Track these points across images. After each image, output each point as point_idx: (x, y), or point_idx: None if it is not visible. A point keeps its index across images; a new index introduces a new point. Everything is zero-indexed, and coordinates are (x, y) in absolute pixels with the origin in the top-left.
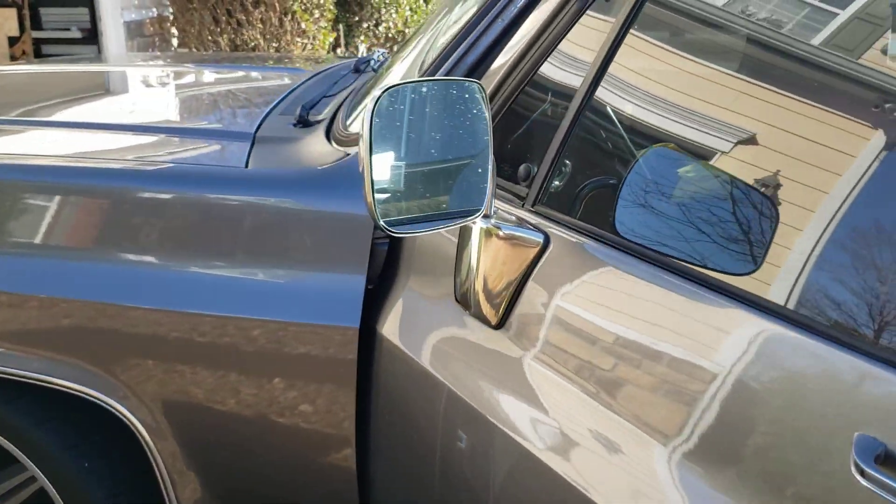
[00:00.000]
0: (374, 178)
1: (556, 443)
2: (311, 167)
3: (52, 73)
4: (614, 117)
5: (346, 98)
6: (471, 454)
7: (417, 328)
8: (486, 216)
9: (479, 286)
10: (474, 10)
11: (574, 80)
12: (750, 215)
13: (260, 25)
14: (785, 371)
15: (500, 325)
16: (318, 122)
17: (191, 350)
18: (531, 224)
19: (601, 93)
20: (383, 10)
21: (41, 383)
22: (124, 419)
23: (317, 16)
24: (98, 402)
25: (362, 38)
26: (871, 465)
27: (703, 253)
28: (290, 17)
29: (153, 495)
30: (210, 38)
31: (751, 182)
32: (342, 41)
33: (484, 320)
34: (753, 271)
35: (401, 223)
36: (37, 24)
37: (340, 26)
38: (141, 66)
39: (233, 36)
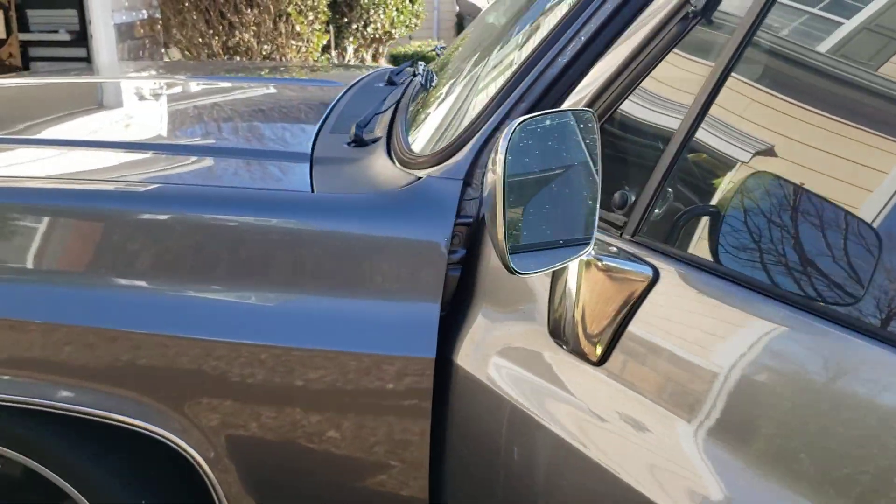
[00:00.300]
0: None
1: (672, 487)
2: (382, 191)
3: (59, 86)
4: (718, 144)
5: (397, 114)
6: (568, 491)
7: (503, 361)
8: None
9: (577, 319)
10: (560, 28)
11: (677, 104)
12: (854, 243)
13: (254, 28)
14: None
15: (601, 363)
16: (374, 140)
17: (258, 383)
18: (634, 255)
19: (708, 120)
20: (371, 12)
21: (100, 419)
22: (186, 454)
23: (311, 18)
24: (159, 437)
25: (351, 39)
26: None
27: (813, 282)
28: (284, 19)
29: None
30: (202, 40)
31: (854, 209)
32: (332, 43)
33: (582, 356)
34: (859, 300)
35: (523, 262)
36: (24, 26)
37: (331, 28)
38: (157, 78)
39: (225, 38)
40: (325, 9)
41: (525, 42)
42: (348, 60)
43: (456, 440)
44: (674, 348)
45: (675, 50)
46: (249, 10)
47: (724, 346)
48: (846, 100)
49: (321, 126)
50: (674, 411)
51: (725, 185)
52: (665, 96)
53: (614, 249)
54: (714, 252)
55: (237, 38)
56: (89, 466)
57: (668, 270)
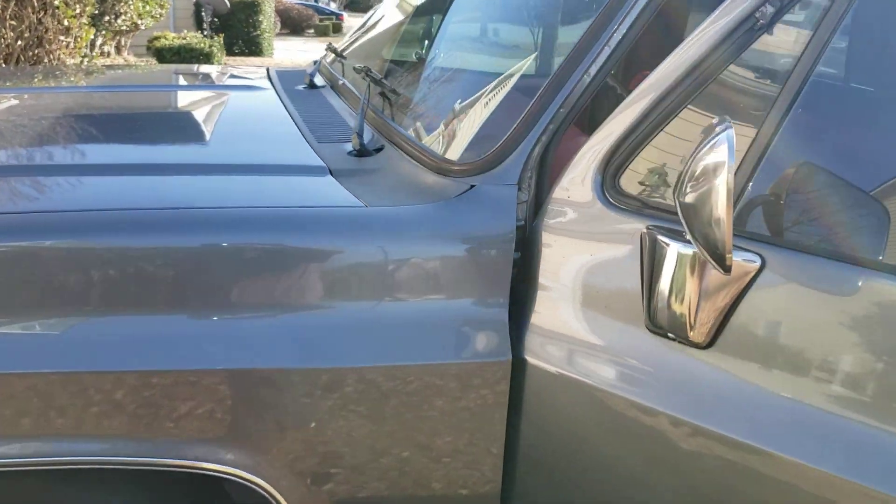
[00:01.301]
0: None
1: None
2: (440, 201)
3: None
4: (802, 135)
5: (387, 122)
6: (686, 461)
7: (593, 355)
8: (688, 242)
9: (682, 309)
10: (609, 25)
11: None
12: None
13: (13, 22)
14: None
15: (709, 346)
16: (378, 149)
17: (339, 406)
18: (740, 246)
19: (799, 114)
20: (122, 4)
21: (179, 469)
22: (266, 493)
23: (78, 11)
24: (243, 481)
25: (104, 32)
26: None
27: None
28: (50, 13)
29: None
30: None
31: None
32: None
33: (688, 342)
34: None
35: None
36: None
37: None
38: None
39: None
40: (94, 0)
41: (569, 39)
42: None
43: (534, 438)
44: (786, 329)
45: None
46: (11, 4)
47: (834, 325)
48: None
49: (303, 137)
50: (792, 389)
51: (821, 176)
52: (735, 96)
53: None
54: (816, 237)
55: None
56: None
57: (774, 258)
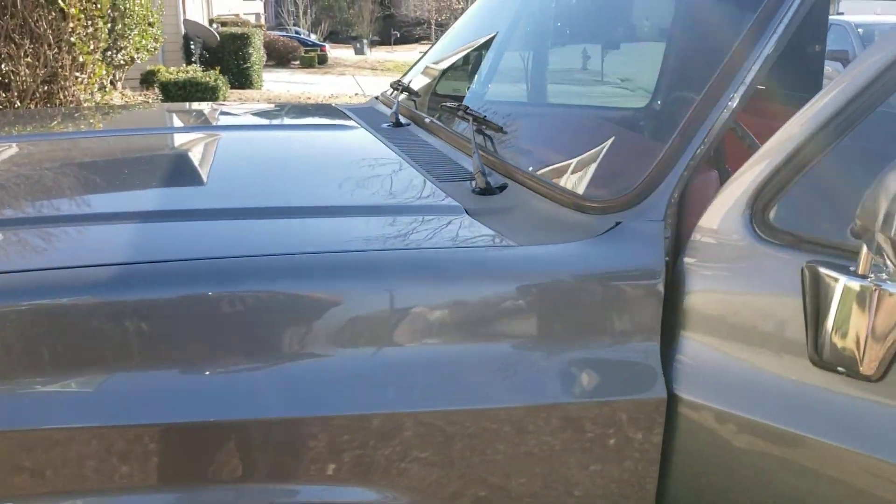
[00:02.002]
0: None
1: None
2: (589, 239)
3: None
4: None
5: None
6: (863, 495)
7: (752, 389)
8: (862, 276)
9: (851, 342)
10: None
11: None
12: None
13: (28, 60)
14: None
15: (881, 378)
16: (501, 187)
17: (483, 446)
18: None
19: None
20: (123, 39)
21: None
22: None
23: (92, 47)
24: None
25: (105, 65)
26: None
27: None
28: (66, 49)
29: None
30: None
31: None
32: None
33: (859, 375)
34: None
35: None
36: None
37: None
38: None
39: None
40: (106, 35)
41: (701, 73)
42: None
43: (689, 475)
44: None
45: None
46: (27, 42)
47: None
48: None
49: (424, 176)
50: None
51: None
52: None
53: (886, 276)
54: None
55: (8, 69)
56: None
57: None
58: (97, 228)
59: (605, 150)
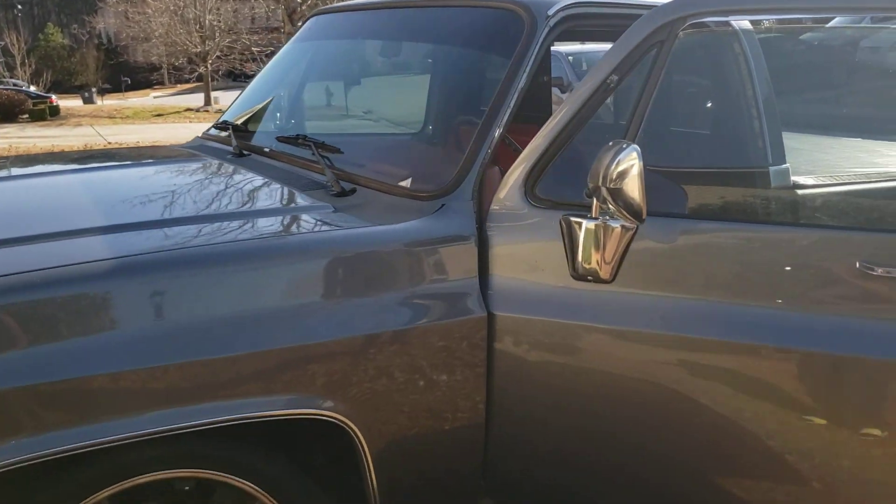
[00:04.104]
0: None
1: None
2: (426, 216)
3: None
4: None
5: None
6: (614, 359)
7: (539, 300)
8: (595, 218)
9: (596, 262)
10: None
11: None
12: None
13: None
14: None
15: (613, 280)
16: (352, 191)
17: (387, 365)
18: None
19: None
20: None
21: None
22: (352, 433)
23: None
24: (338, 422)
25: None
26: None
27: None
28: None
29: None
30: None
31: None
32: None
33: (601, 280)
34: None
35: None
36: None
37: None
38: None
39: None
40: None
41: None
42: None
43: (512, 371)
44: (653, 268)
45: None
46: None
47: (676, 252)
48: None
49: (288, 187)
50: (676, 294)
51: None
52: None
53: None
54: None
55: None
56: (268, 466)
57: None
58: None
59: (423, 156)
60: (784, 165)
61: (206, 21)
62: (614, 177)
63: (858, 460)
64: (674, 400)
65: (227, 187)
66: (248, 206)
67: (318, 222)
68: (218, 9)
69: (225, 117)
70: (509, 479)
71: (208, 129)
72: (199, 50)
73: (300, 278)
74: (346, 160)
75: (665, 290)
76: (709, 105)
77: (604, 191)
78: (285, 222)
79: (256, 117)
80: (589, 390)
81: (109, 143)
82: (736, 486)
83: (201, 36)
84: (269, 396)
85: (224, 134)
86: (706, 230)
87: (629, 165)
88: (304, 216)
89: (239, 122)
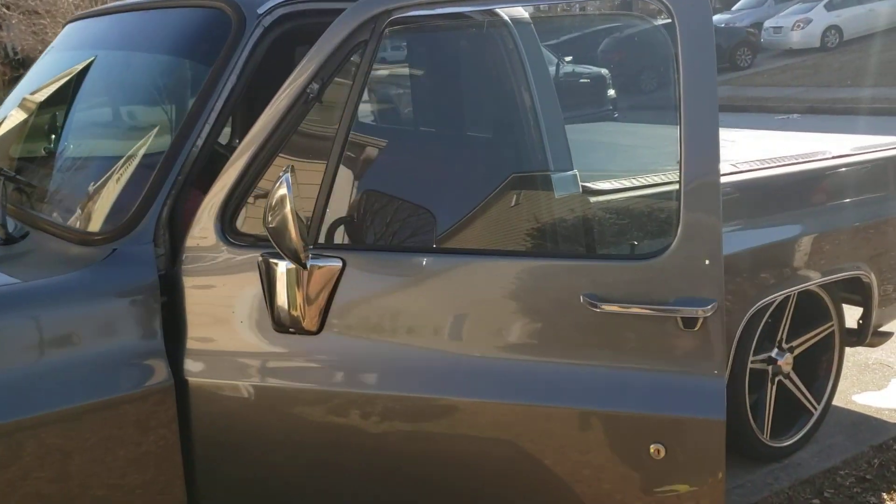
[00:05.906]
0: None
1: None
2: (87, 266)
3: None
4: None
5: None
6: (323, 421)
7: (241, 360)
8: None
9: (295, 309)
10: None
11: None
12: None
13: None
14: None
15: (319, 331)
16: (23, 237)
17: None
18: (326, 255)
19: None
20: None
21: None
22: None
23: None
24: None
25: None
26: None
27: None
28: None
29: None
30: None
31: None
32: None
33: (305, 331)
34: None
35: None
36: None
37: None
38: None
39: None
40: None
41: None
42: None
43: (208, 442)
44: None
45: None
46: None
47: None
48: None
49: None
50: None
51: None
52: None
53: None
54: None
55: None
56: None
57: (352, 260)
58: None
59: (102, 190)
60: (571, 171)
61: None
62: (269, 213)
63: None
64: (398, 468)
65: None
66: None
67: None
68: None
69: None
70: None
71: None
72: None
73: None
74: (37, 195)
75: (383, 337)
76: (451, 111)
77: (267, 232)
78: None
79: None
80: (302, 462)
81: None
82: None
83: None
84: None
85: None
86: (434, 265)
87: (279, 198)
88: None
89: None
